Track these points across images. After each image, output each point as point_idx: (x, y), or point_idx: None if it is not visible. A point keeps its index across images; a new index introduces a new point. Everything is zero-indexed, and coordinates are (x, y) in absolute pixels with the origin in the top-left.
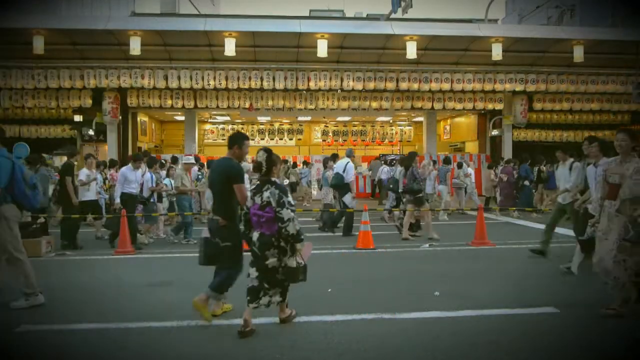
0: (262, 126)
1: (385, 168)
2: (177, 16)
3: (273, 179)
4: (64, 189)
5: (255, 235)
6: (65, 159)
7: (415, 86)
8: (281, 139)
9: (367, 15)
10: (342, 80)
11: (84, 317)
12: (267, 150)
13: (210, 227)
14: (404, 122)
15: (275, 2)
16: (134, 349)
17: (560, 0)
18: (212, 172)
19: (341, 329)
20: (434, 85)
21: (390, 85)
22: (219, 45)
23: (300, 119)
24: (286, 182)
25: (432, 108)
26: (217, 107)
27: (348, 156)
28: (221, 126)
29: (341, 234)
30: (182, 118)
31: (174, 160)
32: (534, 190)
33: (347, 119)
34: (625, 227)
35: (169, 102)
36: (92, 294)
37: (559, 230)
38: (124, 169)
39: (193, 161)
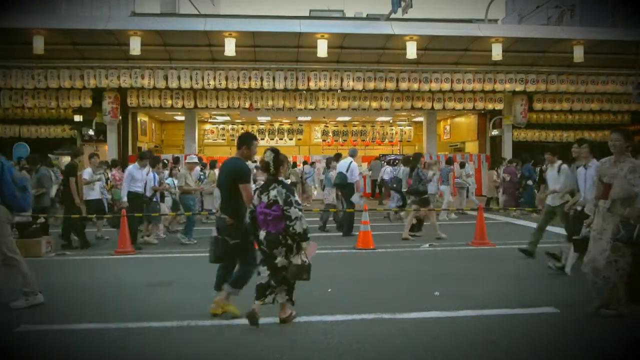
0: (262, 126)
1: (388, 168)
2: (177, 16)
3: (280, 178)
4: (67, 189)
5: (262, 234)
6: (64, 159)
7: (415, 86)
8: (281, 139)
9: (367, 15)
10: (342, 80)
11: (84, 317)
12: (275, 150)
13: (218, 225)
14: (404, 122)
15: (275, 2)
16: (134, 349)
17: (560, 0)
18: (220, 172)
19: (341, 329)
20: (434, 85)
21: (390, 85)
22: (219, 45)
23: (300, 119)
24: (287, 182)
25: (432, 108)
26: (217, 107)
27: (351, 156)
28: (221, 126)
29: (341, 233)
30: (182, 118)
31: (176, 160)
32: (536, 190)
33: (347, 119)
34: (616, 227)
35: (169, 102)
36: (92, 294)
37: (553, 229)
38: (130, 167)
39: (196, 160)
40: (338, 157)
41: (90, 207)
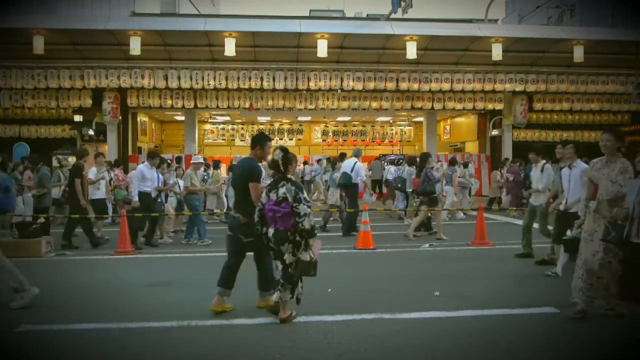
0: (262, 126)
1: (391, 168)
2: (177, 16)
3: (289, 176)
4: (73, 190)
5: (270, 231)
6: (72, 159)
7: (415, 86)
8: (281, 139)
9: (367, 15)
10: (342, 80)
11: (84, 317)
12: (284, 149)
13: (232, 224)
14: (404, 122)
15: (275, 2)
16: (134, 349)
17: (560, 0)
18: (234, 172)
19: (341, 329)
20: (434, 85)
21: (390, 85)
22: (219, 45)
23: (300, 119)
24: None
25: (432, 108)
26: (217, 107)
27: (356, 156)
28: (221, 126)
29: (341, 234)
30: (182, 118)
31: (178, 160)
32: None
33: (347, 119)
34: (607, 229)
35: (169, 102)
36: (92, 294)
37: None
38: (141, 166)
39: (202, 161)
40: (343, 157)
41: (94, 206)
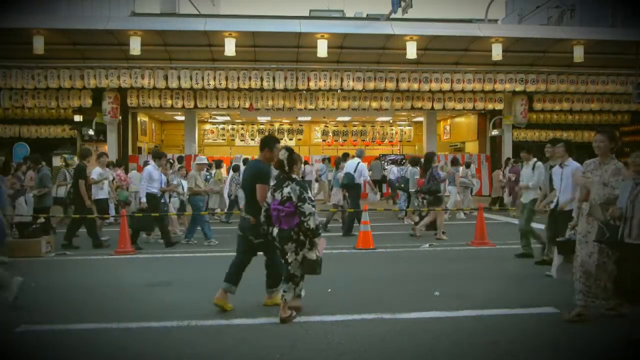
0: (262, 126)
1: (394, 168)
2: (177, 16)
3: (293, 176)
4: (77, 191)
5: (275, 230)
6: (69, 158)
7: (415, 86)
8: (281, 139)
9: (367, 15)
10: (342, 80)
11: (84, 317)
12: (289, 149)
13: (242, 225)
14: (404, 122)
15: (275, 2)
16: (134, 349)
17: (560, 0)
18: (243, 174)
19: (341, 329)
20: (434, 85)
21: (390, 85)
22: (219, 45)
23: (300, 119)
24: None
25: (432, 108)
26: (217, 107)
27: (359, 156)
28: (221, 126)
29: (341, 234)
30: (182, 118)
31: (180, 160)
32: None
33: (347, 119)
34: (601, 230)
35: (169, 102)
36: (92, 294)
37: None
38: (149, 167)
39: (206, 162)
40: (346, 157)
41: (97, 207)
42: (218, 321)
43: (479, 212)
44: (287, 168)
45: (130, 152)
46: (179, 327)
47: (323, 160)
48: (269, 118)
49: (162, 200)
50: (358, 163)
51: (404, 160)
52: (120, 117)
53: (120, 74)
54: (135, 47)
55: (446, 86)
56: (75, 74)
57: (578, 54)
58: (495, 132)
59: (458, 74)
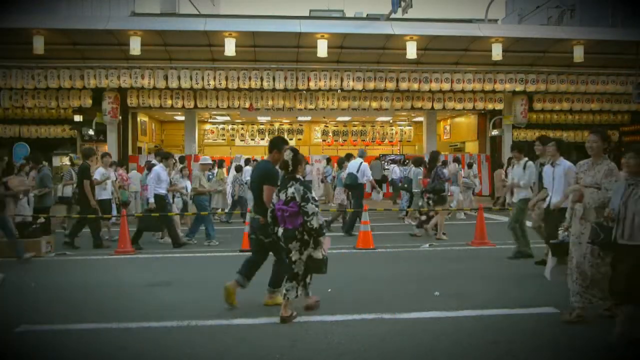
0: (262, 126)
1: (396, 168)
2: (177, 16)
3: (297, 176)
4: (82, 191)
5: (280, 230)
6: (75, 158)
7: (415, 86)
8: None
9: (367, 15)
10: (342, 80)
11: (84, 317)
12: (294, 150)
13: (253, 225)
14: (404, 122)
15: (275, 2)
16: (133, 349)
17: (560, 0)
18: (252, 175)
19: (341, 329)
20: (434, 85)
21: (390, 85)
22: (219, 45)
23: (300, 119)
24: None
25: (432, 108)
26: (217, 107)
27: (361, 156)
28: (221, 126)
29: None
30: (182, 118)
31: (182, 160)
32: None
33: (347, 119)
34: (594, 231)
35: (169, 102)
36: (92, 294)
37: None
38: (157, 168)
39: (210, 162)
40: (349, 157)
41: (100, 207)
42: (218, 321)
43: (479, 212)
44: (291, 168)
45: (130, 152)
46: (179, 327)
47: (327, 161)
48: (269, 118)
49: (166, 201)
50: (360, 163)
51: (406, 161)
52: (120, 117)
53: (120, 74)
54: (135, 47)
55: (446, 86)
56: (75, 74)
57: (578, 54)
58: (495, 132)
59: (458, 74)
